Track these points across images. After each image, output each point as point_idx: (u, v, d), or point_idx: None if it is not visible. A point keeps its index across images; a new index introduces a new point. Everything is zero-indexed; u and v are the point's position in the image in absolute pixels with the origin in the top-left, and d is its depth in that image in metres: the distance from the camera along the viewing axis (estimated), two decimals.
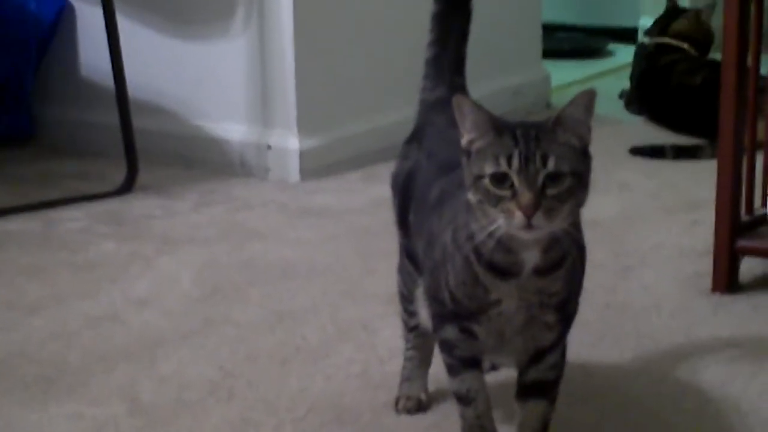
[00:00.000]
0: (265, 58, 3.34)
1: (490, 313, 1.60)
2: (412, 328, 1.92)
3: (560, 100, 3.97)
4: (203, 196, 3.21)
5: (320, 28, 3.37)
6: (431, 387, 1.97)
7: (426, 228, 1.72)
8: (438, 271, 1.65)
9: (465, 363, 1.68)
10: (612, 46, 5.23)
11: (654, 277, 2.55)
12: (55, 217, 3.02)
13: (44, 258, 2.73)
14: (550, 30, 4.61)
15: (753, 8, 2.41)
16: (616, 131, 3.79)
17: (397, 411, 1.95)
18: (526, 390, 1.69)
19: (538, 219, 1.48)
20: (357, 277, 2.58)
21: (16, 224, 2.98)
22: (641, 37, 4.40)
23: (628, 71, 4.22)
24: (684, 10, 4.16)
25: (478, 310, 1.60)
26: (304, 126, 3.34)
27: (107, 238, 2.86)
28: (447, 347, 1.68)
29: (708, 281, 2.46)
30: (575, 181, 1.51)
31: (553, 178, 1.49)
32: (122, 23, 3.27)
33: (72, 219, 3.01)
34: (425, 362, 1.96)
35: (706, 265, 2.48)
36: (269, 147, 3.36)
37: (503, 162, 1.49)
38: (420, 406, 1.95)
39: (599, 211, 2.90)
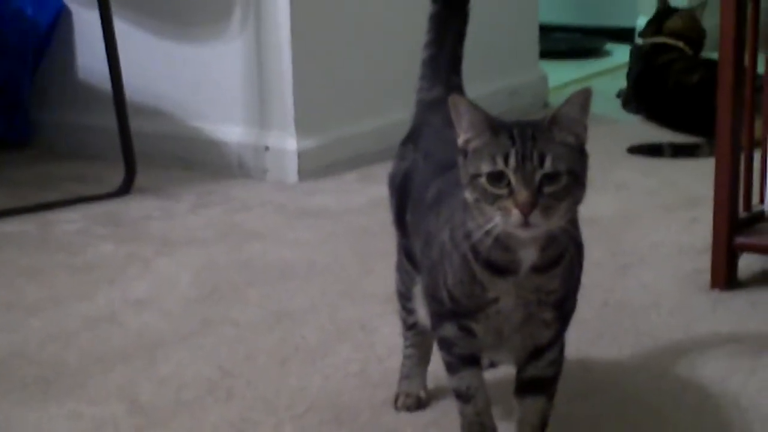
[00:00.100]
0: (262, 60, 3.35)
1: (488, 311, 1.60)
2: (410, 326, 1.93)
3: (558, 100, 3.97)
4: (201, 197, 3.22)
5: (317, 30, 3.37)
6: (430, 384, 1.97)
7: (423, 227, 1.72)
8: (436, 270, 1.65)
9: (464, 361, 1.68)
10: (609, 46, 5.24)
11: (653, 274, 2.55)
12: (53, 219, 3.03)
13: (42, 260, 2.73)
14: (547, 30, 4.62)
15: (750, 7, 2.42)
16: (614, 130, 3.80)
17: (396, 408, 1.95)
18: (524, 387, 1.69)
19: (535, 217, 1.48)
20: (355, 277, 2.58)
21: (14, 226, 2.98)
22: (638, 38, 4.40)
23: (625, 71, 4.23)
24: (675, 10, 4.16)
25: (476, 308, 1.61)
26: (302, 127, 3.34)
27: (105, 240, 2.86)
28: (446, 345, 1.69)
29: (707, 278, 2.46)
30: (572, 180, 1.51)
31: (550, 176, 1.49)
32: (119, 26, 3.27)
33: (70, 221, 3.01)
34: (424, 360, 1.96)
35: (705, 262, 2.48)
36: (267, 148, 3.36)
37: (500, 161, 1.50)
38: (419, 404, 1.95)
39: (597, 209, 2.91)
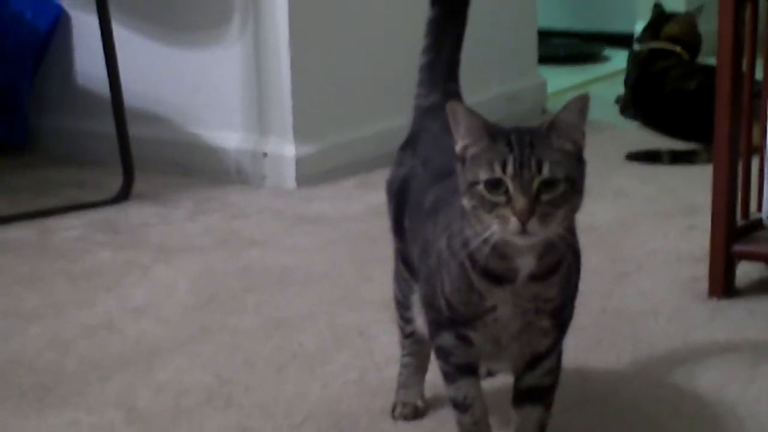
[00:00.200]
0: (261, 66, 3.35)
1: (485, 319, 1.60)
2: (408, 335, 1.92)
3: (556, 106, 3.96)
4: (199, 203, 3.21)
5: (316, 36, 3.37)
6: (428, 393, 1.97)
7: (421, 235, 1.72)
8: (433, 278, 1.65)
9: (461, 370, 1.68)
10: (608, 52, 5.24)
11: (650, 282, 2.55)
12: (52, 226, 3.02)
13: (41, 267, 2.73)
14: (545, 36, 4.62)
15: (748, 13, 2.42)
16: (612, 137, 3.80)
17: (394, 417, 1.95)
18: (522, 396, 1.69)
19: (533, 225, 1.48)
20: (353, 284, 2.58)
21: (12, 233, 2.98)
22: (635, 43, 4.40)
23: (623, 76, 4.23)
24: (672, 15, 4.16)
25: (474, 316, 1.60)
26: (300, 133, 3.34)
27: (104, 247, 2.86)
28: (443, 354, 1.68)
29: (704, 286, 2.46)
30: (570, 187, 1.51)
31: (548, 183, 1.49)
32: (118, 31, 3.27)
33: (69, 227, 3.01)
34: (422, 369, 1.96)
35: (703, 269, 2.48)
36: (265, 154, 3.36)
37: (498, 168, 1.50)
38: (417, 413, 1.95)
39: (595, 216, 2.91)
